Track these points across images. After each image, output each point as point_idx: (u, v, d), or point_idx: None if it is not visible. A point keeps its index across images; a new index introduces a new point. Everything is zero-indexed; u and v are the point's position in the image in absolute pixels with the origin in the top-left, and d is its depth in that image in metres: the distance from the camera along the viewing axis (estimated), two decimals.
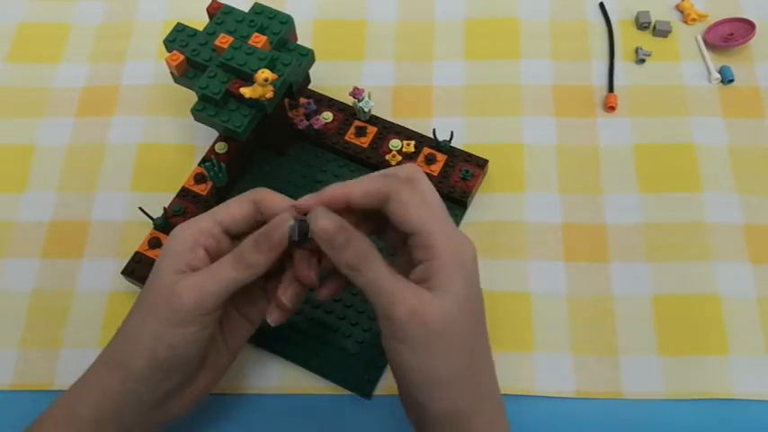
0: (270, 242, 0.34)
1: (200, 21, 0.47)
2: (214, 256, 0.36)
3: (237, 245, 0.36)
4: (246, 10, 0.46)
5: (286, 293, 0.36)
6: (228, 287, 0.34)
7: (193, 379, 0.37)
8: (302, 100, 0.49)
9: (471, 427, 0.33)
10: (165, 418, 0.37)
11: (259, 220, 0.36)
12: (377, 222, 0.35)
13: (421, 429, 0.35)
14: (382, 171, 0.35)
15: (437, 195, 0.35)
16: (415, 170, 0.35)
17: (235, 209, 0.36)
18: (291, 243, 0.35)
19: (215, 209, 0.37)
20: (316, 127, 0.48)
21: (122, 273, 0.45)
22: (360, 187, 0.34)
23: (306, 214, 0.35)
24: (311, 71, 0.47)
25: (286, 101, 0.48)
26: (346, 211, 0.34)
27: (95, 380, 0.35)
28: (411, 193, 0.33)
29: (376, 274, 0.33)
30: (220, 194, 0.48)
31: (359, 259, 0.33)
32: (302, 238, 0.34)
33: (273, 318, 0.37)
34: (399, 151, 0.48)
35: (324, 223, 0.33)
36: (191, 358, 0.35)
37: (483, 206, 0.48)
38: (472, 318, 0.33)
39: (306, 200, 0.35)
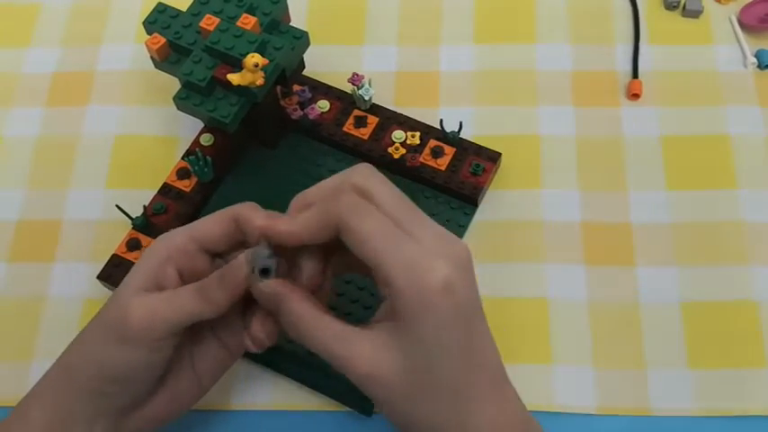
0: (232, 281, 0.34)
1: (183, 0, 0.47)
2: (188, 276, 0.36)
3: (221, 264, 0.36)
4: None
5: (264, 327, 0.36)
6: (185, 318, 0.35)
7: (148, 401, 0.37)
8: (296, 87, 0.49)
9: None
10: None
11: (241, 240, 0.36)
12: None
13: None
14: (331, 180, 0.34)
15: (399, 201, 0.33)
16: (365, 176, 0.33)
17: (213, 227, 0.36)
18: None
19: (195, 222, 0.37)
20: (311, 117, 0.49)
21: (98, 277, 0.45)
22: (305, 224, 0.33)
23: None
24: (306, 56, 0.48)
25: (278, 88, 0.48)
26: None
27: (49, 384, 0.37)
28: (361, 219, 0.31)
29: (320, 338, 0.33)
30: (205, 191, 0.48)
31: (295, 329, 0.34)
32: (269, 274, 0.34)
33: (250, 347, 0.37)
34: (403, 143, 0.48)
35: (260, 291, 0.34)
36: (140, 380, 0.36)
37: (495, 204, 0.48)
38: (448, 353, 0.31)
39: (265, 226, 0.34)
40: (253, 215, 0.35)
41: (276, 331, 0.36)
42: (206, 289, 0.35)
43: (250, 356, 0.44)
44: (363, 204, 0.32)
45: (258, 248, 0.34)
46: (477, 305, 0.33)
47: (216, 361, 0.38)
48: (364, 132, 0.49)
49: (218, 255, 0.37)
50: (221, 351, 0.38)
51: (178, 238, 0.36)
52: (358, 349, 0.32)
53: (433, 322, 0.31)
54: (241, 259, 0.34)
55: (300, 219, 0.34)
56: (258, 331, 0.36)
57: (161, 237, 0.37)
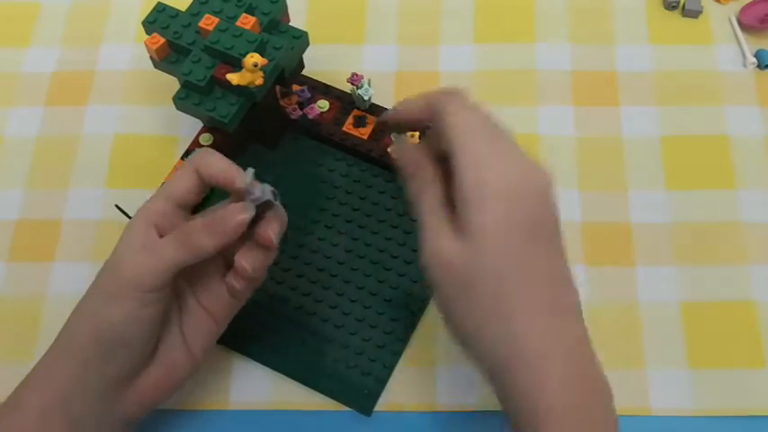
0: (223, 228, 0.36)
1: (183, 0, 0.47)
2: (167, 233, 0.38)
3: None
4: None
5: (246, 257, 0.37)
6: (169, 266, 0.36)
7: (142, 370, 0.38)
8: (295, 87, 0.50)
9: (509, 384, 0.32)
10: (118, 416, 0.38)
11: (209, 188, 0.38)
12: None
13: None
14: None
15: (490, 116, 0.35)
16: (462, 89, 0.36)
17: (182, 182, 0.38)
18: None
19: (164, 184, 0.39)
20: (310, 117, 0.49)
21: None
22: (411, 105, 0.37)
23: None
24: (305, 55, 0.48)
25: (277, 88, 0.49)
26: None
27: (43, 366, 0.38)
28: (457, 107, 0.34)
29: (423, 208, 0.36)
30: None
31: (416, 192, 0.36)
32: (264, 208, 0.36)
33: (234, 286, 0.38)
34: None
35: (398, 154, 0.37)
36: (133, 339, 0.37)
37: None
38: (495, 255, 0.32)
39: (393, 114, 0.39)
40: (209, 160, 0.37)
41: (261, 264, 0.38)
42: (189, 236, 0.36)
43: (246, 353, 0.44)
44: (458, 98, 0.35)
45: (254, 185, 0.36)
46: (544, 226, 0.33)
47: (203, 330, 0.39)
48: (364, 132, 0.49)
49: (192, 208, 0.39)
50: (207, 319, 0.39)
51: (154, 203, 0.38)
52: (435, 228, 0.34)
53: (489, 221, 0.32)
54: (233, 210, 0.36)
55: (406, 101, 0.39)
56: (241, 260, 0.37)
57: (140, 208, 0.38)
